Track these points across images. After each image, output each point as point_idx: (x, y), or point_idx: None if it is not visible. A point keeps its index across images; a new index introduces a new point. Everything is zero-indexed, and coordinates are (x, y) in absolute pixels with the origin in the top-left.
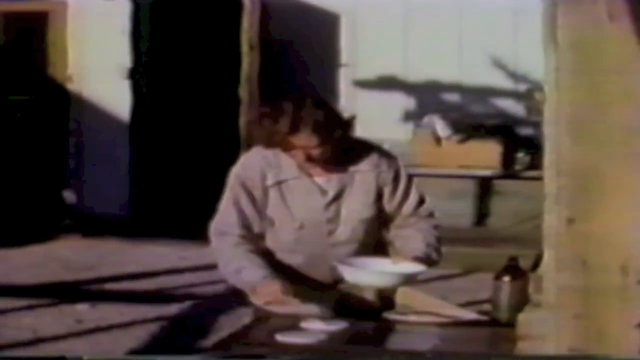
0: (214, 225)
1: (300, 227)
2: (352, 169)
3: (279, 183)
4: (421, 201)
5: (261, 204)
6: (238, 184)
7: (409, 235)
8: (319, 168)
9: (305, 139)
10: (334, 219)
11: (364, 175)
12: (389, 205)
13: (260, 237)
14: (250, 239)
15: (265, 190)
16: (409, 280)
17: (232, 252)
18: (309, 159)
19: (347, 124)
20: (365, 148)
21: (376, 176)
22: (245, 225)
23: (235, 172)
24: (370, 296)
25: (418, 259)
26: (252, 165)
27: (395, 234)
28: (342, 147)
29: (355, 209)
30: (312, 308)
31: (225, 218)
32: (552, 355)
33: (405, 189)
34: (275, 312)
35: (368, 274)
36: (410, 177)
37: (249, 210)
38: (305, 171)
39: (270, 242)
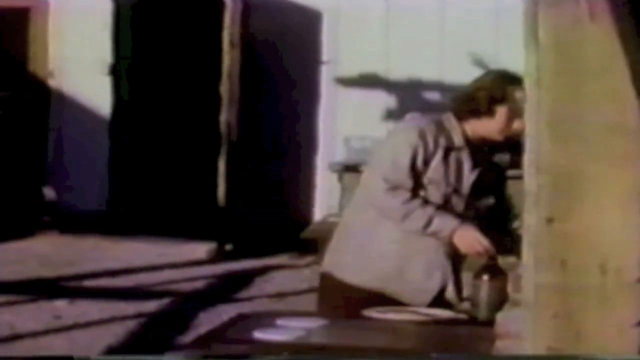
0: (386, 178)
1: (453, 192)
2: (491, 162)
3: (448, 149)
4: None
5: (427, 163)
6: (420, 138)
7: None
8: (479, 148)
9: (516, 110)
10: (469, 196)
11: (490, 172)
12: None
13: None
14: (417, 193)
15: (435, 151)
16: None
17: (408, 205)
18: (504, 129)
19: None
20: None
21: (490, 177)
22: (415, 180)
23: (419, 128)
24: None
25: None
26: (429, 125)
27: None
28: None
29: (482, 193)
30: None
31: (398, 171)
32: (536, 355)
33: None
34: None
35: None
36: None
37: (420, 165)
38: (470, 144)
39: None
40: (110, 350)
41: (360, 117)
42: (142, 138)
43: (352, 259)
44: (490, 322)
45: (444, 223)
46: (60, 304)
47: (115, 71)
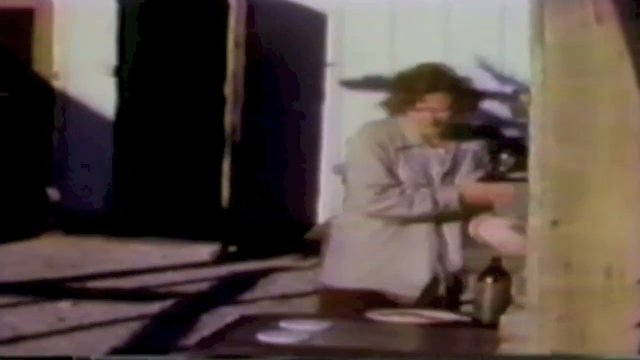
0: (368, 191)
1: None
2: (464, 146)
3: (406, 147)
4: None
5: (392, 167)
6: (375, 144)
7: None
8: (437, 140)
9: (440, 100)
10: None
11: (474, 154)
12: None
13: None
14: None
15: (396, 153)
16: None
17: (404, 196)
18: (436, 122)
19: (477, 99)
20: (474, 130)
21: (482, 156)
22: (395, 179)
23: (368, 135)
24: None
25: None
26: (379, 130)
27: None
28: (460, 123)
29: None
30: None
31: (377, 179)
32: (540, 356)
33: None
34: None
35: None
36: None
37: (391, 166)
38: (428, 140)
39: None
40: (114, 352)
41: (364, 120)
42: (146, 139)
43: (338, 262)
44: (494, 325)
45: (448, 194)
46: (64, 305)
47: (119, 72)
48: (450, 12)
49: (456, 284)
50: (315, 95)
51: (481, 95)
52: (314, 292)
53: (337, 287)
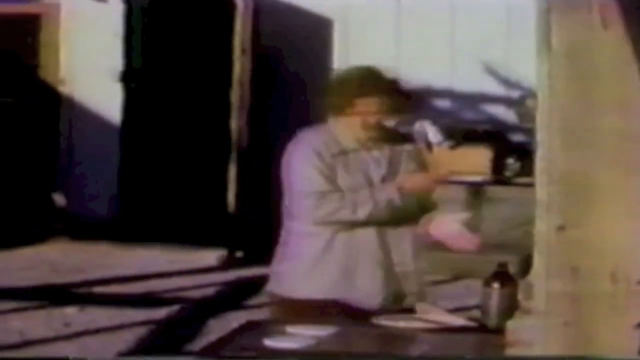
0: (308, 200)
1: None
2: (398, 147)
3: (342, 153)
4: None
5: (333, 173)
6: (311, 152)
7: None
8: (371, 143)
9: (369, 104)
10: None
11: (409, 153)
12: None
13: None
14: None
15: (333, 159)
16: None
17: (347, 200)
18: (367, 125)
19: (408, 101)
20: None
21: (417, 155)
22: (333, 185)
23: (303, 144)
24: None
25: None
26: (314, 139)
27: None
28: (393, 126)
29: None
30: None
31: (314, 187)
32: (544, 355)
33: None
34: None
35: None
36: None
37: (329, 174)
38: (362, 144)
39: None
40: (123, 357)
41: None
42: (153, 145)
43: (292, 272)
44: (500, 330)
45: (388, 190)
46: (70, 310)
47: (126, 78)
48: (456, 16)
49: (415, 289)
50: (321, 101)
51: (412, 96)
52: (267, 302)
53: (294, 298)
